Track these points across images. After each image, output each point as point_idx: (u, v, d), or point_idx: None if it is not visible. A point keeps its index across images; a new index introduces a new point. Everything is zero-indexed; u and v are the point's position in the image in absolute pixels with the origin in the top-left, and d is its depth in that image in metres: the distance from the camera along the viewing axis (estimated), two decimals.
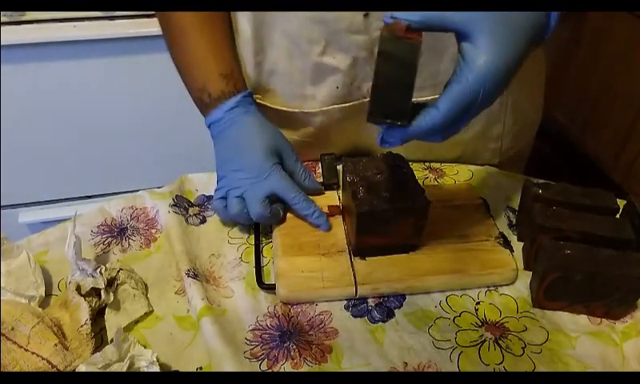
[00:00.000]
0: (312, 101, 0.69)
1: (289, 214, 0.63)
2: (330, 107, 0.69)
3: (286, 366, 0.50)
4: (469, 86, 0.43)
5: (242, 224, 0.65)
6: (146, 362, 0.47)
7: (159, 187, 0.69)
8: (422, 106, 0.46)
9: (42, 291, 0.54)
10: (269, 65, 0.68)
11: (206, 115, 0.64)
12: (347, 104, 0.68)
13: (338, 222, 0.62)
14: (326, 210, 0.63)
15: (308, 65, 0.66)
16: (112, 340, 0.49)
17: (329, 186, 0.69)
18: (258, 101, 0.70)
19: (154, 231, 0.64)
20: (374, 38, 0.61)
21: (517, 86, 0.71)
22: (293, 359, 0.50)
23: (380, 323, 0.54)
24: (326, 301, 0.56)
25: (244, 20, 0.66)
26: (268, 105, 0.71)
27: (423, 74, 0.64)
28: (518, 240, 0.64)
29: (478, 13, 0.43)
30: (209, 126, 0.63)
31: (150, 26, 1.15)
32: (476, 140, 0.75)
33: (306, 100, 0.69)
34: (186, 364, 0.50)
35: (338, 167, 0.70)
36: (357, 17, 0.60)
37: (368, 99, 0.66)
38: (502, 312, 0.55)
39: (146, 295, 0.56)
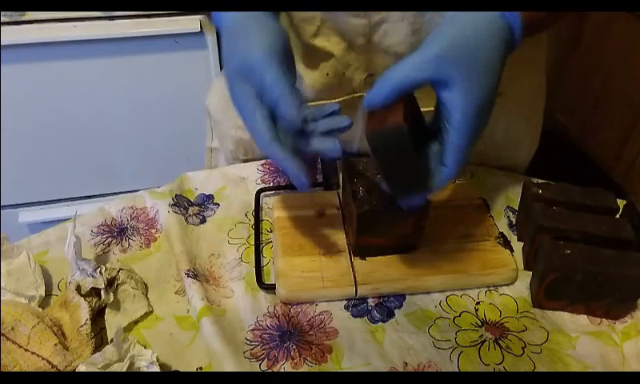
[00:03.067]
0: (299, 82, 0.64)
1: (289, 214, 0.63)
2: (316, 104, 0.64)
3: (286, 366, 0.50)
4: (462, 131, 0.44)
5: (241, 222, 0.65)
6: (146, 362, 0.47)
7: (159, 187, 0.69)
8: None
9: (41, 291, 0.55)
10: None
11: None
12: (337, 100, 0.65)
13: (338, 222, 0.62)
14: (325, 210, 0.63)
15: (299, 46, 0.62)
16: (112, 340, 0.49)
17: (329, 186, 0.69)
18: None
19: (153, 231, 0.64)
20: (373, 23, 0.58)
21: (513, 106, 0.69)
22: (293, 359, 0.50)
23: (380, 323, 0.54)
24: (326, 301, 0.56)
25: None
26: None
27: None
28: (518, 240, 0.64)
29: (449, 60, 0.43)
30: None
31: (149, 26, 1.15)
32: None
33: None
34: (186, 364, 0.50)
35: (338, 167, 0.71)
36: None
37: (358, 94, 0.65)
38: (502, 312, 0.55)
39: (146, 295, 0.56)
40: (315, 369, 0.50)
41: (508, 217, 0.67)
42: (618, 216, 0.59)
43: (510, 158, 0.76)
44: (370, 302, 0.56)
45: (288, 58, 0.49)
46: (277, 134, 0.47)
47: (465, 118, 0.43)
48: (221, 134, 0.79)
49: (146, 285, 0.57)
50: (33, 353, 0.47)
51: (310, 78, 0.65)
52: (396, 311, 0.55)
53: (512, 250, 0.59)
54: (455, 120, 0.44)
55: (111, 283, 0.54)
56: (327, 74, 0.63)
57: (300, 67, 0.64)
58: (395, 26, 0.58)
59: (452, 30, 0.44)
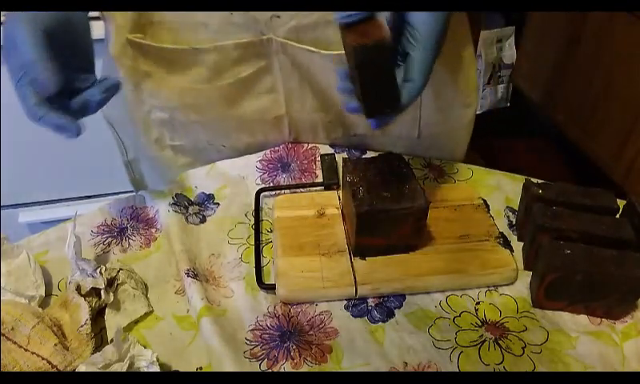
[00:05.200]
0: (204, 30, 0.63)
1: (289, 214, 0.63)
2: (224, 43, 0.63)
3: (286, 366, 0.50)
4: (428, 47, 0.48)
5: (241, 222, 0.65)
6: (146, 362, 0.47)
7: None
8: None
9: (41, 291, 0.55)
10: None
11: None
12: (242, 40, 0.63)
13: (338, 222, 0.62)
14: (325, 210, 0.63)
15: None
16: (112, 340, 0.49)
17: (329, 185, 0.69)
18: (139, 40, 0.63)
19: (153, 231, 0.64)
20: None
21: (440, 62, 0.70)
22: (293, 359, 0.50)
23: (380, 323, 0.54)
24: (326, 301, 0.56)
25: None
26: (151, 43, 0.64)
27: None
28: (518, 240, 0.64)
29: None
30: None
31: None
32: None
33: (196, 30, 0.63)
34: (186, 364, 0.50)
35: (338, 167, 0.70)
36: None
37: (266, 37, 0.63)
38: (502, 312, 0.55)
39: (146, 295, 0.56)
40: (315, 369, 0.50)
41: (508, 217, 0.67)
42: (617, 216, 0.59)
43: (447, 121, 0.76)
44: (370, 302, 0.56)
45: (61, 44, 0.51)
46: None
47: (431, 33, 0.47)
48: (134, 137, 0.77)
49: (145, 285, 0.57)
50: (33, 353, 0.47)
51: (214, 21, 0.62)
52: (396, 311, 0.55)
53: (512, 250, 0.59)
54: (422, 36, 0.47)
55: (111, 283, 0.54)
56: (231, 14, 0.62)
57: (199, 15, 0.62)
58: None
59: None
